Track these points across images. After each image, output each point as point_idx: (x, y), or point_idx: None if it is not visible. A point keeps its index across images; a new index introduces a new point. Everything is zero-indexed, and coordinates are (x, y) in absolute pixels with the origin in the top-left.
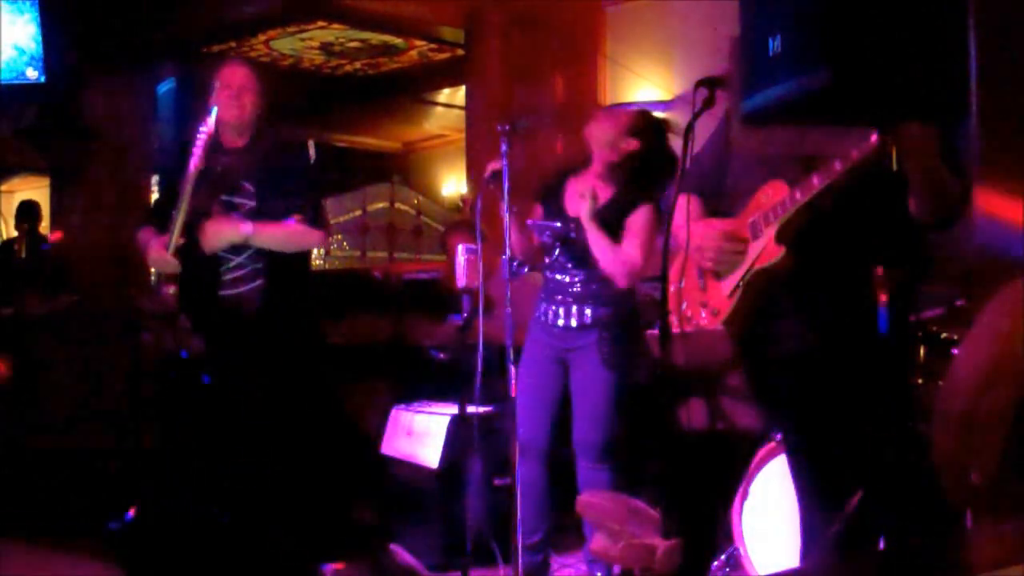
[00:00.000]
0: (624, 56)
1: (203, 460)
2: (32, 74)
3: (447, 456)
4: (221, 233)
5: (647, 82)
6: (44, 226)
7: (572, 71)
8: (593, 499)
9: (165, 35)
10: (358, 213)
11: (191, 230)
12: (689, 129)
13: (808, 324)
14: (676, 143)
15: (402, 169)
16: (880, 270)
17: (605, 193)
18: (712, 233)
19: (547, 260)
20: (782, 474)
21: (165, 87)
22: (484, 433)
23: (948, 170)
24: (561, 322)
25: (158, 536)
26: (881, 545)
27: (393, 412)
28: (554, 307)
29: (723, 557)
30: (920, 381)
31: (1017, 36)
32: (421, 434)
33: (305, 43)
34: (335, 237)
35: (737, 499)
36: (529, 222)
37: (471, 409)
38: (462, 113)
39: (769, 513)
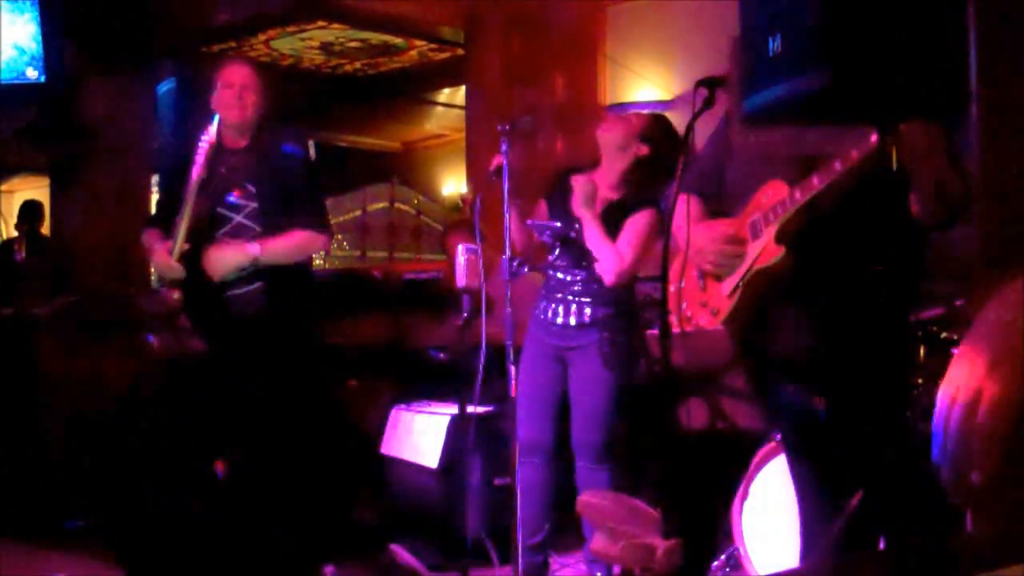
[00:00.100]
0: (624, 56)
1: (203, 460)
2: (32, 74)
3: (447, 456)
4: (225, 259)
5: (647, 82)
6: (44, 226)
7: (572, 71)
8: (593, 499)
9: (165, 35)
10: (358, 213)
11: (195, 236)
12: (689, 129)
13: (808, 324)
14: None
15: (402, 169)
16: (880, 270)
17: (611, 195)
18: (712, 236)
19: (548, 259)
20: (782, 474)
21: (165, 87)
22: (484, 433)
23: (952, 169)
24: (560, 320)
25: (158, 536)
26: (881, 545)
27: (393, 412)
28: (554, 305)
29: (723, 557)
30: (920, 381)
31: (1017, 36)
32: (421, 434)
33: (305, 43)
34: (335, 237)
35: (737, 499)
36: (529, 222)
37: (471, 409)
38: (462, 113)
39: (769, 513)
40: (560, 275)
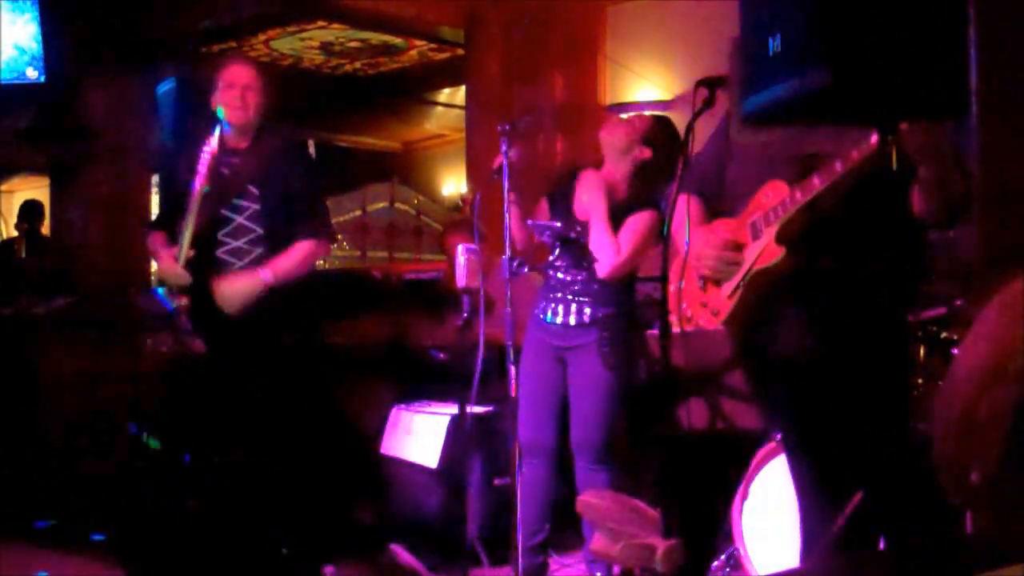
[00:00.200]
0: (624, 56)
1: (203, 460)
2: (32, 74)
3: (447, 456)
4: (238, 292)
5: (647, 82)
6: (44, 226)
7: (572, 71)
8: (593, 499)
9: (165, 35)
10: (358, 213)
11: (197, 239)
12: (689, 129)
13: (808, 324)
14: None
15: (402, 169)
16: (880, 270)
17: (613, 196)
18: (712, 241)
19: (548, 259)
20: (782, 474)
21: (165, 87)
22: (484, 433)
23: (954, 166)
24: (560, 320)
25: (158, 536)
26: (881, 545)
27: (393, 412)
28: (553, 304)
29: (723, 557)
30: (920, 381)
31: (1017, 36)
32: (421, 434)
33: (305, 43)
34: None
35: (737, 499)
36: (529, 222)
37: (471, 409)
38: (462, 113)
39: (769, 513)
40: (560, 275)
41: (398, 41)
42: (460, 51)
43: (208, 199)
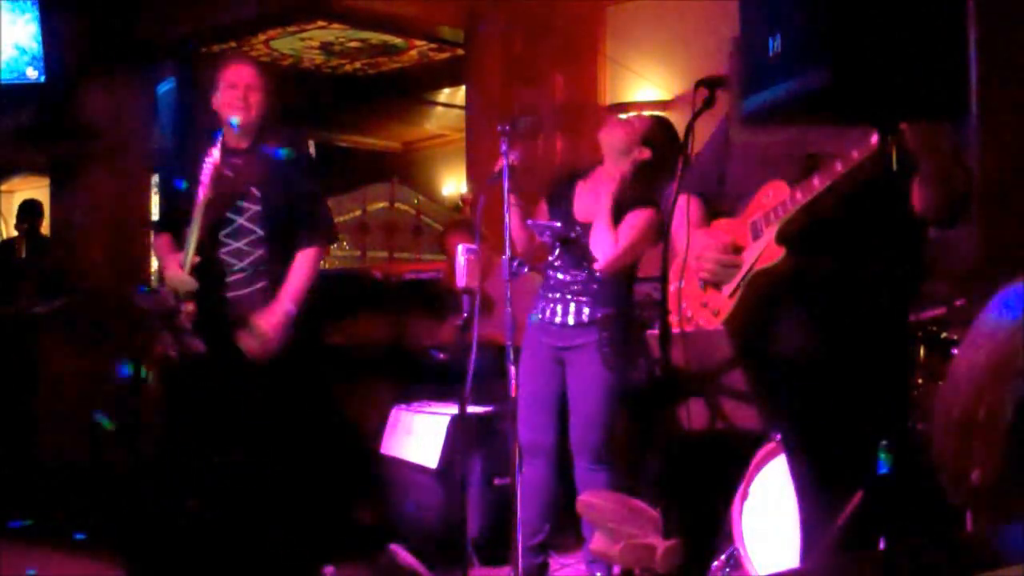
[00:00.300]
0: (624, 56)
1: (203, 460)
2: (32, 74)
3: (447, 456)
4: (270, 336)
5: (647, 82)
6: (44, 226)
7: (572, 71)
8: (593, 499)
9: (165, 35)
10: (358, 213)
11: (203, 247)
12: (689, 129)
13: (808, 324)
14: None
15: (402, 169)
16: (880, 270)
17: (613, 197)
18: (712, 244)
19: (548, 259)
20: (782, 474)
21: (165, 87)
22: (484, 433)
23: (956, 164)
24: (559, 319)
25: (158, 536)
26: (881, 545)
27: (393, 412)
28: (552, 304)
29: (723, 557)
30: (920, 381)
31: (1017, 36)
32: (421, 434)
33: (305, 43)
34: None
35: (737, 499)
36: (529, 222)
37: (471, 409)
38: (462, 113)
39: (769, 513)
40: (560, 275)
41: (398, 41)
42: (460, 51)
43: (211, 201)
